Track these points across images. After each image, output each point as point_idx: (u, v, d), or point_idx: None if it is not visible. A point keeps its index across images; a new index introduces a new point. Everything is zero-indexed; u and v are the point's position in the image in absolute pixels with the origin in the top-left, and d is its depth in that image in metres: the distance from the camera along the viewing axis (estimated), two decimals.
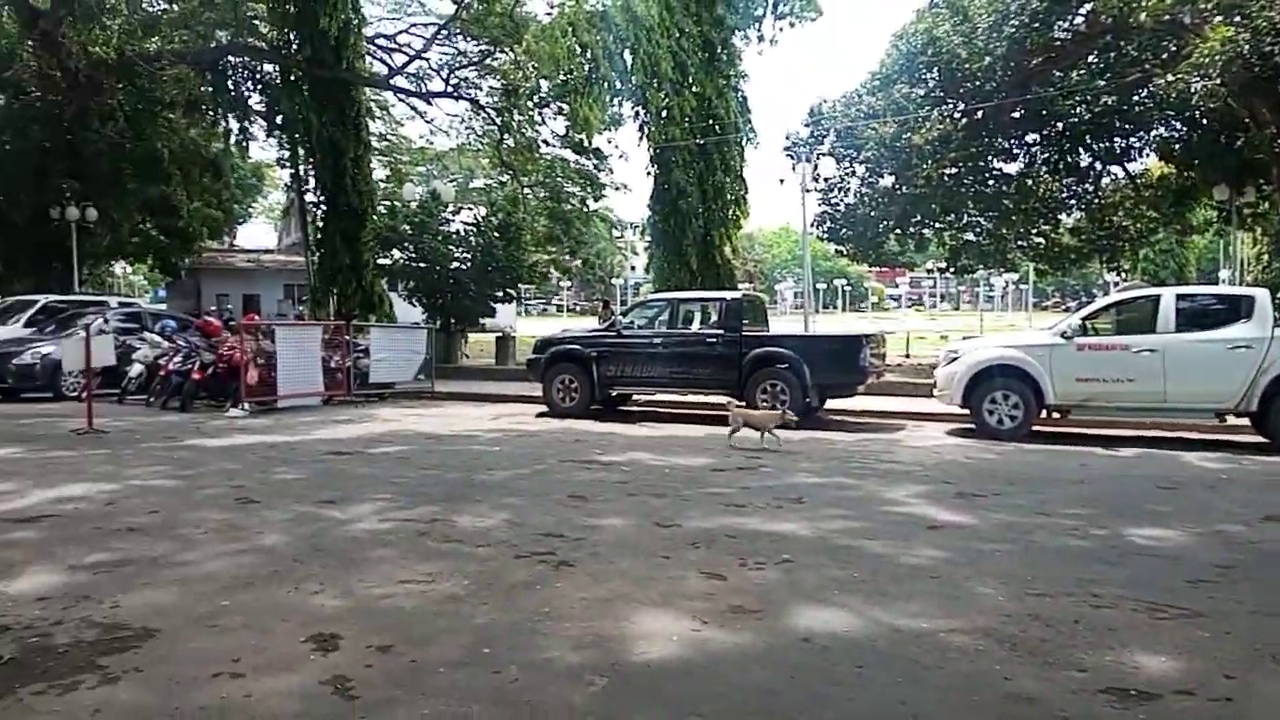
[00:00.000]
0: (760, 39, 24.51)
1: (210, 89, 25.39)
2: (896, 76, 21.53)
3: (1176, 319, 11.19)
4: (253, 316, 20.28)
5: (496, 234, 24.20)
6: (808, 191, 20.42)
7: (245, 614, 4.61)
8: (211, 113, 27.24)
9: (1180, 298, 11.54)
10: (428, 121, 31.43)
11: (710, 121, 23.99)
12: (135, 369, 15.91)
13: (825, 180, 21.98)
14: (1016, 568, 5.58)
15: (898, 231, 23.74)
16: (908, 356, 23.53)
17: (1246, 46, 15.24)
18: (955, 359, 12.48)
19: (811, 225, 22.50)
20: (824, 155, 21.51)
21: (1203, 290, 14.77)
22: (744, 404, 12.11)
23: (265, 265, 41.28)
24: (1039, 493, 8.10)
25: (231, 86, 26.66)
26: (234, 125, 28.08)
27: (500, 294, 24.73)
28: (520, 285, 27.22)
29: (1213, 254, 60.76)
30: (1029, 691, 3.75)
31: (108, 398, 15.07)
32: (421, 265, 23.75)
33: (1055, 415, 12.09)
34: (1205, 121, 19.29)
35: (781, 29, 24.13)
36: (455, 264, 23.73)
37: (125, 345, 15.89)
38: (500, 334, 26.08)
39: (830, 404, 14.19)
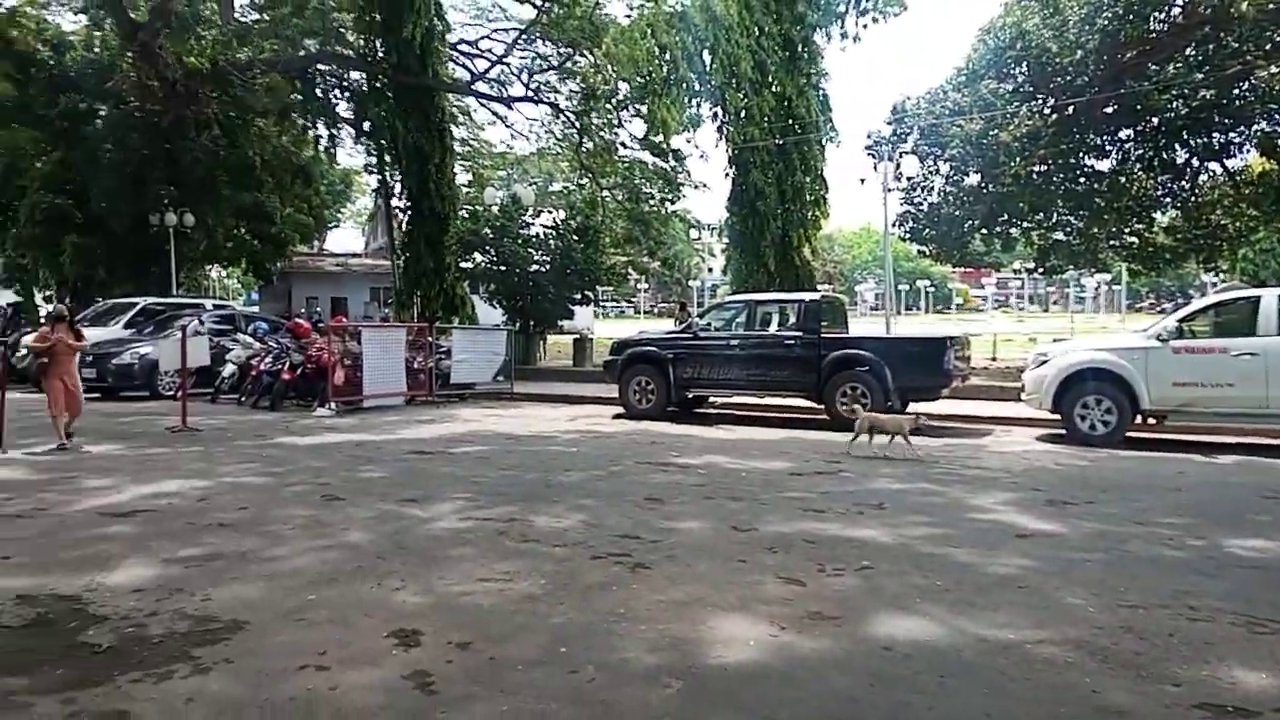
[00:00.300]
0: (843, 36, 24.19)
1: (300, 97, 26.19)
2: (983, 72, 21.03)
3: (1279, 321, 10.66)
4: (340, 319, 20.84)
5: (575, 236, 24.40)
6: (889, 191, 20.07)
7: (330, 609, 4.72)
8: (301, 120, 28.09)
9: None
10: (508, 126, 32.04)
11: (790, 121, 23.78)
12: (228, 369, 16.48)
13: (908, 179, 21.57)
14: (1109, 578, 5.37)
15: (983, 231, 23.17)
16: (994, 359, 22.91)
17: None
18: (1045, 362, 12.11)
19: (893, 225, 22.14)
20: (907, 153, 21.10)
21: None
22: (868, 407, 11.64)
23: (352, 269, 42.35)
24: (1133, 501, 7.80)
25: (320, 94, 27.49)
26: (323, 132, 28.96)
27: (578, 296, 24.91)
28: (598, 287, 27.37)
29: None
30: (1119, 705, 3.61)
31: (201, 397, 15.64)
32: (501, 268, 24.08)
33: (1150, 421, 11.62)
34: None
35: (865, 25, 23.79)
36: (534, 267, 24.00)
37: (219, 346, 16.47)
38: (578, 336, 26.27)
39: (912, 408, 13.89)
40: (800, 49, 23.97)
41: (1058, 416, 11.84)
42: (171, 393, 15.70)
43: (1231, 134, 21.03)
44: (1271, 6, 16.24)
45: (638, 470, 9.29)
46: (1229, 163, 22.12)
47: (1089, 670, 3.96)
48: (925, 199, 22.93)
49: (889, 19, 23.81)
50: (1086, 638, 4.34)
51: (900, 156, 20.87)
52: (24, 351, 16.83)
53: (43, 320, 15.23)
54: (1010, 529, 6.69)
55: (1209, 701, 3.63)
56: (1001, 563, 5.73)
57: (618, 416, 14.44)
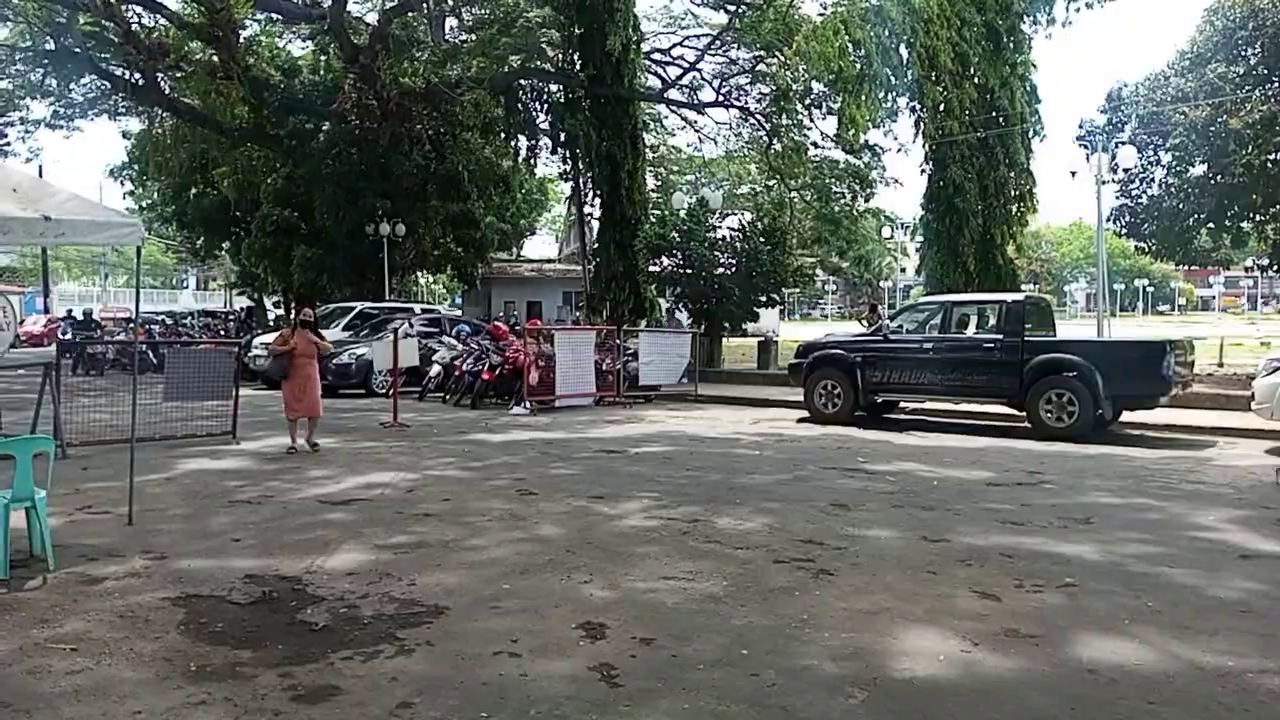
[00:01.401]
0: (1050, 22, 22.88)
1: (503, 111, 27.47)
2: (1210, 55, 19.43)
3: None
4: (535, 322, 21.66)
5: (762, 238, 24.26)
6: (1104, 183, 18.76)
7: (523, 598, 4.95)
8: (504, 133, 29.47)
9: None
10: (696, 130, 32.21)
11: (993, 113, 22.71)
12: (434, 369, 17.47)
13: (1124, 171, 20.12)
14: None
15: (1210, 226, 21.41)
16: (1220, 365, 20.95)
17: None
18: (1278, 369, 10.98)
19: (1108, 220, 20.73)
20: (1123, 143, 19.74)
21: None
22: None
23: (547, 274, 43.93)
24: None
25: (521, 107, 28.72)
26: (523, 144, 30.25)
27: (764, 298, 24.75)
28: (784, 289, 27.09)
29: None
30: None
31: (410, 394, 16.66)
32: (688, 271, 24.29)
33: None
34: None
35: (1078, 9, 22.37)
36: (720, 269, 24.06)
37: (426, 347, 17.47)
38: (762, 338, 26.10)
39: (1128, 417, 12.95)
40: (1005, 38, 22.82)
41: None
42: (384, 391, 16.76)
43: None
44: None
45: (823, 475, 9.15)
46: None
47: None
48: (1144, 191, 21.44)
49: (1104, 3, 22.30)
50: None
51: (1116, 147, 19.52)
52: (255, 352, 18.54)
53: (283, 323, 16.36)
54: (1234, 549, 6.13)
55: None
56: (1223, 585, 5.26)
57: (802, 420, 14.26)
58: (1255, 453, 10.96)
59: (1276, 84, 18.83)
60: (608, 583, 5.25)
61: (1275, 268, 24.97)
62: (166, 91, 26.51)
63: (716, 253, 23.81)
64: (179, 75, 25.57)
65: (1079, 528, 6.77)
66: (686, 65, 29.95)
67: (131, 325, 23.08)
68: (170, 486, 8.24)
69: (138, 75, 25.47)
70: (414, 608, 4.79)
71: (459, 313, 32.90)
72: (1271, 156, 19.14)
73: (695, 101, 30.76)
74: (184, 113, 27.10)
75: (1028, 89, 23.51)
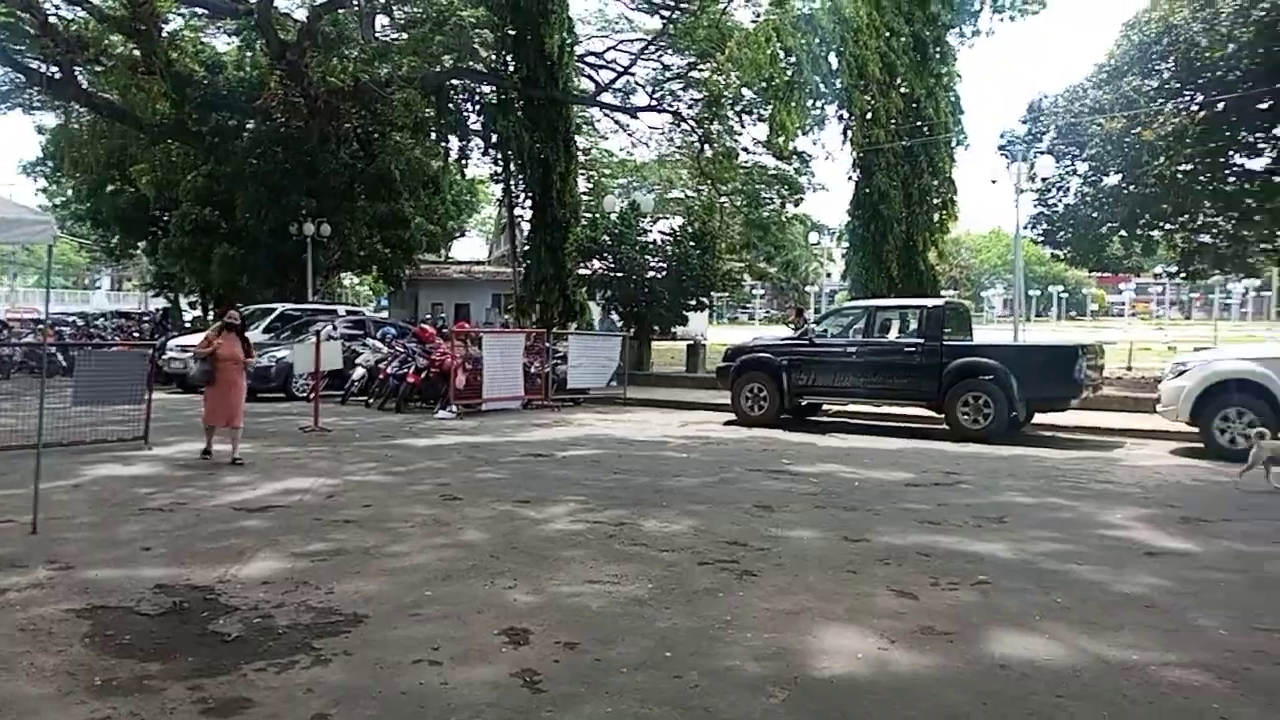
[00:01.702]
0: (975, 33, 23.64)
1: (434, 111, 27.15)
2: (1127, 68, 20.15)
3: None
4: (463, 324, 21.45)
5: (692, 242, 24.44)
6: (1022, 192, 19.35)
7: (445, 605, 4.89)
8: (434, 133, 29.12)
9: None
10: (629, 134, 32.35)
11: (918, 122, 23.26)
12: (358, 372, 17.15)
13: (1043, 180, 20.78)
14: (1245, 600, 5.07)
15: (1123, 234, 22.17)
16: (1129, 369, 21.76)
17: None
18: (1184, 372, 11.44)
19: (1025, 228, 21.36)
20: (1042, 153, 20.36)
21: None
22: (1268, 433, 9.22)
23: (476, 276, 43.55)
24: (1275, 519, 7.31)
25: (453, 108, 28.43)
26: (454, 145, 29.96)
27: (693, 302, 24.93)
28: (713, 293, 27.33)
29: None
30: None
31: (333, 398, 16.34)
32: (618, 275, 24.34)
33: None
34: None
35: (1001, 20, 23.14)
36: (651, 273, 24.17)
37: (350, 350, 17.16)
38: (691, 342, 26.27)
39: (1041, 419, 13.37)
40: (931, 49, 23.42)
41: (1195, 430, 11.19)
42: (305, 395, 16.44)
43: None
44: None
45: (748, 477, 9.25)
46: None
47: (1218, 695, 3.76)
48: (1060, 200, 22.13)
49: (1027, 16, 23.08)
50: (1217, 661, 4.11)
51: (1035, 156, 20.15)
52: (170, 354, 18.01)
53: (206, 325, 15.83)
54: (1140, 546, 6.38)
55: None
56: (1129, 581, 5.47)
57: (729, 423, 14.40)
58: (1161, 453, 11.42)
59: (1188, 98, 19.60)
60: (532, 587, 5.22)
61: (1183, 275, 25.97)
62: (85, 86, 25.62)
63: (647, 256, 23.89)
64: (98, 69, 24.74)
65: (993, 527, 6.96)
66: (620, 69, 30.04)
67: (40, 326, 22.18)
68: (78, 493, 7.93)
69: (54, 69, 24.52)
70: (331, 616, 4.69)
71: (385, 315, 32.44)
72: (1182, 168, 19.91)
73: (628, 106, 30.84)
74: (102, 108, 26.17)
75: (952, 99, 24.16)
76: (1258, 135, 20.26)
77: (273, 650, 4.24)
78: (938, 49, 23.65)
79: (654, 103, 30.05)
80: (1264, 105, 19.00)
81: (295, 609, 4.81)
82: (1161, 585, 5.38)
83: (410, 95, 24.88)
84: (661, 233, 25.25)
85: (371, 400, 16.44)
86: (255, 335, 18.82)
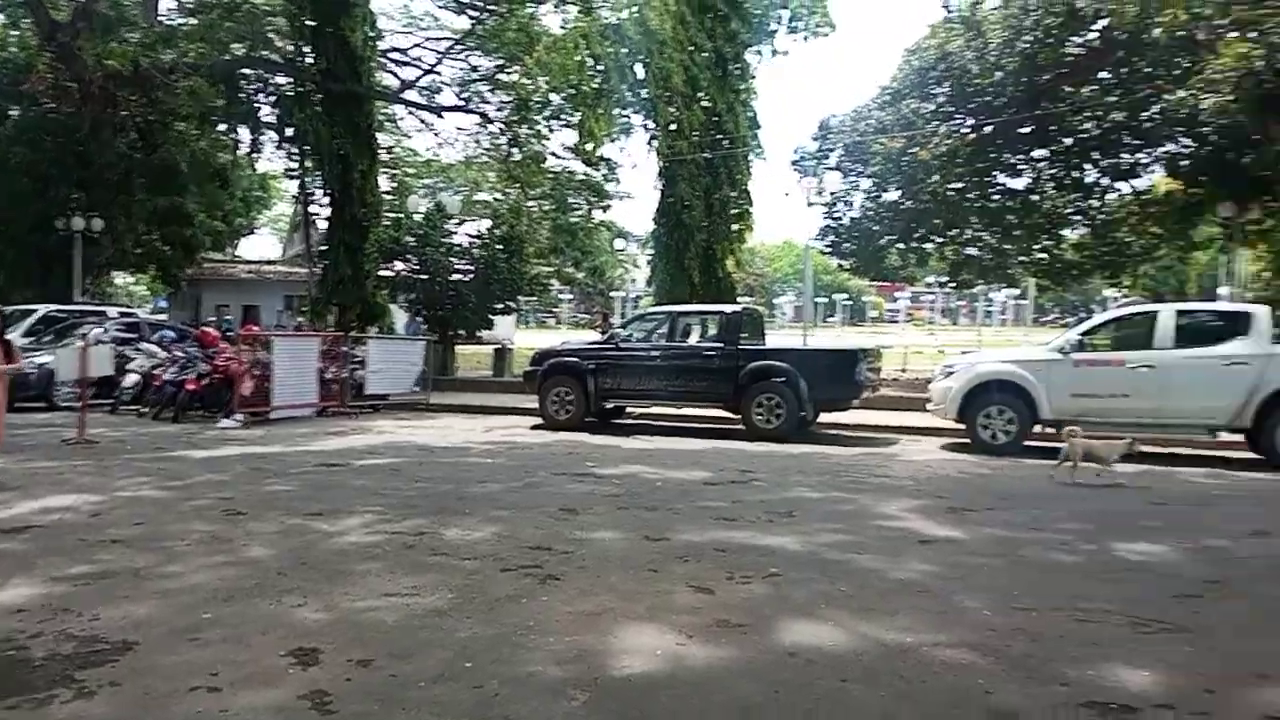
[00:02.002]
0: (773, 53, 24.82)
1: (224, 101, 25.51)
2: (907, 91, 21.66)
3: (1174, 335, 11.18)
4: (250, 327, 20.28)
5: (499, 246, 24.23)
6: (812, 205, 20.47)
7: (226, 627, 4.57)
8: (224, 124, 27.36)
9: (1179, 314, 11.55)
10: (435, 134, 31.73)
11: (719, 135, 24.08)
12: (130, 379, 15.86)
13: (831, 194, 22.08)
14: (1005, 582, 5.55)
15: (900, 246, 23.82)
16: (904, 371, 23.47)
17: (1260, 63, 15.34)
18: (951, 374, 12.47)
19: (814, 239, 22.54)
20: (831, 169, 21.61)
21: (1201, 307, 14.78)
22: (1080, 431, 9.88)
23: (266, 276, 41.28)
24: (1031, 508, 8.07)
25: (244, 98, 26.77)
26: (245, 137, 28.25)
27: (500, 306, 24.71)
28: (520, 297, 27.22)
29: (1214, 271, 60.64)
30: (1011, 705, 3.73)
31: (102, 408, 15.05)
32: (423, 277, 23.77)
33: (1050, 430, 12.05)
34: (1214, 138, 19.18)
35: (795, 41, 24.35)
36: (456, 276, 23.75)
37: (122, 355, 15.85)
38: (498, 346, 26.05)
39: (827, 418, 14.16)
40: (731, 66, 24.34)
41: (962, 426, 12.19)
42: (70, 404, 15.05)
43: (1140, 155, 22.01)
44: (1182, 34, 17.06)
45: (553, 481, 9.25)
46: (1136, 183, 23.18)
47: (983, 671, 4.07)
48: (846, 214, 23.48)
49: (819, 38, 24.41)
50: (981, 640, 4.46)
51: (824, 172, 21.34)
52: None
53: None
54: (913, 536, 6.86)
55: (1095, 700, 3.77)
56: (904, 568, 5.86)
57: (536, 427, 14.37)
58: (933, 449, 12.38)
59: (960, 121, 21.32)
60: (323, 604, 4.98)
61: (952, 284, 28.24)
62: None
63: (453, 259, 23.49)
64: None
65: (783, 521, 7.29)
66: (426, 67, 29.30)
67: None
68: None
69: None
70: (96, 645, 4.29)
71: (163, 317, 30.14)
72: (953, 185, 21.63)
73: (434, 105, 30.14)
74: None
75: (750, 114, 25.24)
76: (1019, 157, 22.40)
77: (29, 684, 3.82)
78: (737, 66, 24.65)
79: (461, 103, 29.53)
80: (1025, 130, 21.01)
81: (54, 638, 4.36)
82: (932, 571, 5.80)
83: (197, 83, 23.22)
84: (468, 235, 24.93)
85: (146, 409, 15.23)
86: (14, 339, 17.06)
